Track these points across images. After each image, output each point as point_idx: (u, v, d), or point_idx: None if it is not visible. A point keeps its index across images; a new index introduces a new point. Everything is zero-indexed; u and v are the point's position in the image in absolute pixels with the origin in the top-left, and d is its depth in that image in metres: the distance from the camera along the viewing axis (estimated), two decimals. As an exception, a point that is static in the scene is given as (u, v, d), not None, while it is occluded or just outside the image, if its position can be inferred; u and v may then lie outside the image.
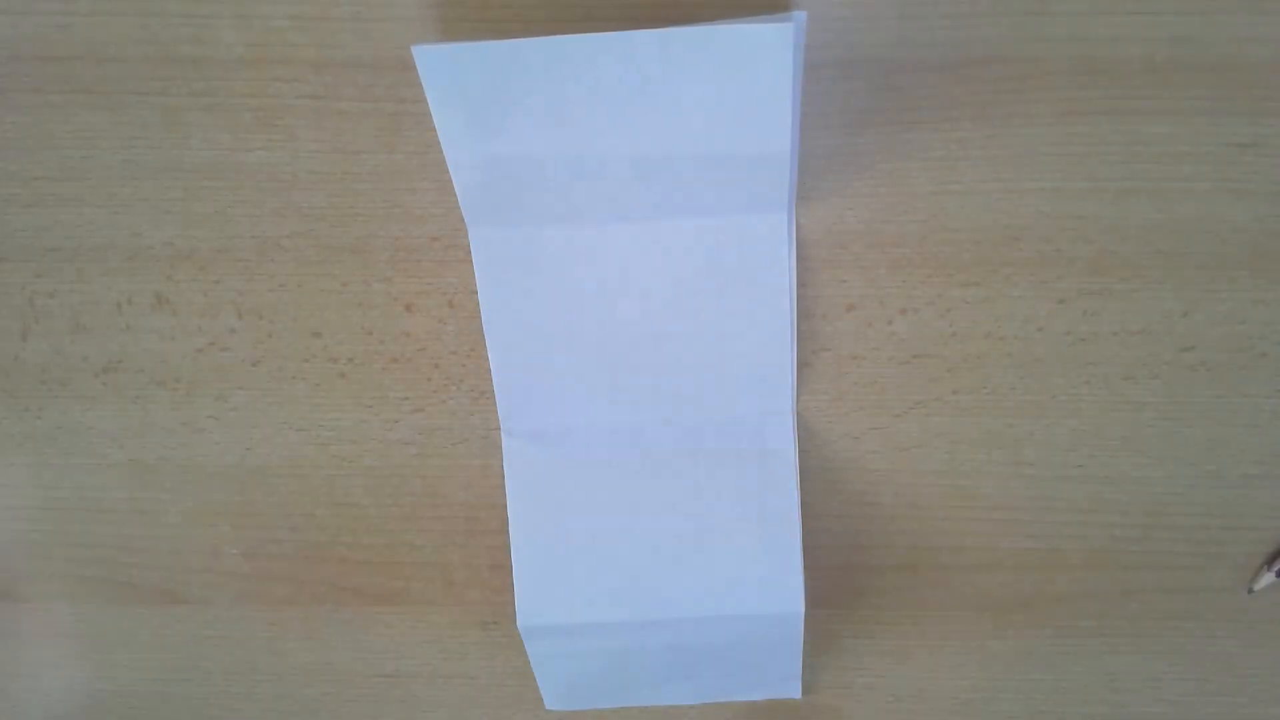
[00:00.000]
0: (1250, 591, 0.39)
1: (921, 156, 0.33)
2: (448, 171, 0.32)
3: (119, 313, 0.36)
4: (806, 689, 0.44)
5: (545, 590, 0.38)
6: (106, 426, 0.39)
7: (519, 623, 0.38)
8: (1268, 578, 0.39)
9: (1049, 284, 0.35)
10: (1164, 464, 0.37)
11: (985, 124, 0.32)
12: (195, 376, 0.38)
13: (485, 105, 0.30)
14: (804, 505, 0.39)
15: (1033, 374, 0.36)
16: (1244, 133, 0.32)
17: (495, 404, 0.37)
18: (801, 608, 0.38)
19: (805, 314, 0.35)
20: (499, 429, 0.37)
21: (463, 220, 0.34)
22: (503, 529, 0.40)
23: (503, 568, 0.41)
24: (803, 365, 0.36)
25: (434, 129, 0.31)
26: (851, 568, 0.40)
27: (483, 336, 0.36)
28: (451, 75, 0.29)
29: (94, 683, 0.45)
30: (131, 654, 0.44)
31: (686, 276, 0.34)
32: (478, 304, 0.35)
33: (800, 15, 0.28)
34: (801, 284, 0.35)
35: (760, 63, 0.28)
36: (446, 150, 0.31)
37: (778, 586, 0.37)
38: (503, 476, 0.38)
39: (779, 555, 0.37)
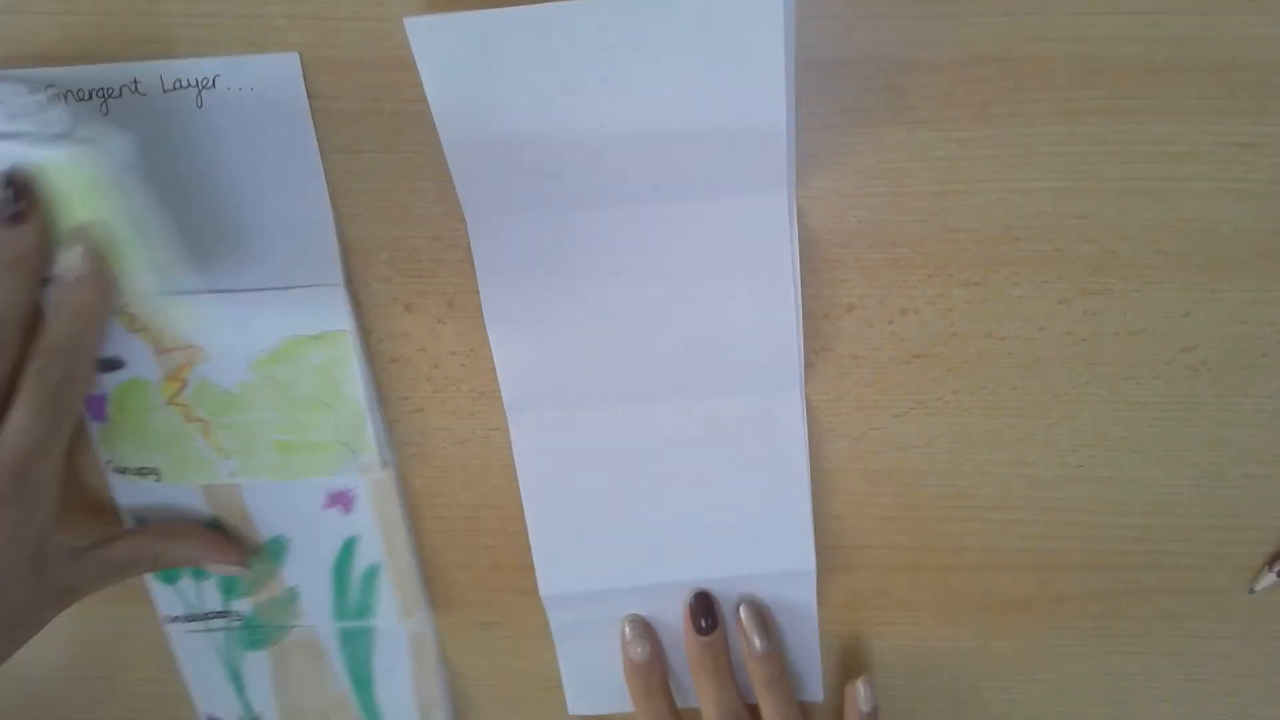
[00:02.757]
0: (1251, 592, 0.39)
1: (921, 156, 0.33)
2: (448, 171, 0.32)
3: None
4: (806, 689, 0.44)
5: (563, 561, 0.39)
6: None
7: (541, 592, 0.39)
8: (1269, 578, 0.39)
9: (1049, 284, 0.35)
10: (1164, 464, 0.37)
11: (986, 124, 0.32)
12: (195, 376, 0.37)
13: (478, 77, 0.30)
14: (804, 505, 0.39)
15: (1033, 374, 0.36)
16: (1244, 133, 0.32)
17: (495, 404, 0.37)
18: (813, 564, 0.39)
19: (806, 314, 0.35)
20: (499, 429, 0.37)
21: (463, 220, 0.34)
22: (503, 529, 0.40)
23: (503, 568, 0.41)
24: (803, 365, 0.36)
25: (434, 129, 0.31)
26: (851, 568, 0.40)
27: (483, 337, 0.36)
28: (444, 47, 0.29)
29: (94, 682, 0.45)
30: (131, 654, 0.44)
31: (689, 258, 0.34)
32: (478, 304, 0.35)
33: None
34: (802, 284, 0.35)
35: (751, 26, 0.28)
36: (440, 127, 0.31)
37: (790, 545, 0.38)
38: (503, 477, 0.38)
39: (790, 516, 0.38)
